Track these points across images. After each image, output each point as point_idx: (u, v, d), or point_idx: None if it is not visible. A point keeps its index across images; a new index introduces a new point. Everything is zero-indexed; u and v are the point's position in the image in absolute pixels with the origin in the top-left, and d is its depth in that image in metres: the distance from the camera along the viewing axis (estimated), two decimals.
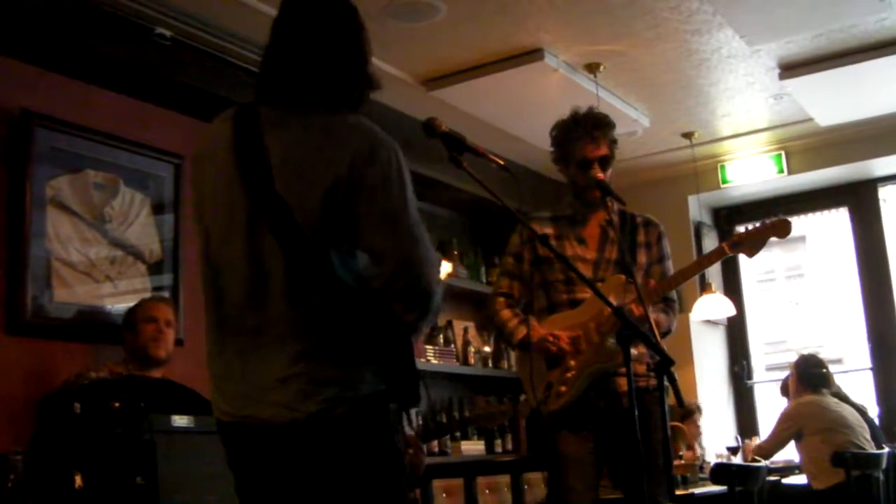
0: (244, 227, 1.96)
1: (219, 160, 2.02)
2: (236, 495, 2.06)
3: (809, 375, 5.06)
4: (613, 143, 3.36)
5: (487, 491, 5.07)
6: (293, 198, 1.90)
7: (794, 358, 5.35)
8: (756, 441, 5.93)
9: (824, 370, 5.09)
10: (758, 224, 3.33)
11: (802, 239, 12.48)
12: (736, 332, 6.92)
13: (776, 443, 5.11)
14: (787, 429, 5.01)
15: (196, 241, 2.14)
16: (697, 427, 5.81)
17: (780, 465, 5.41)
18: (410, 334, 2.00)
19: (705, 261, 3.49)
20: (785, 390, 5.44)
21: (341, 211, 1.89)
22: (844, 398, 5.17)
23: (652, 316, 3.06)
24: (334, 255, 1.90)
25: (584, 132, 3.29)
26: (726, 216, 6.99)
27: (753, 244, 3.30)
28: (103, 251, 3.94)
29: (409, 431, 2.60)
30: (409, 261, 1.91)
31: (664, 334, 3.27)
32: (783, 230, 3.27)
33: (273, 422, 1.91)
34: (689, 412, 5.63)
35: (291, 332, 1.92)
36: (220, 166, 2.02)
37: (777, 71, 5.09)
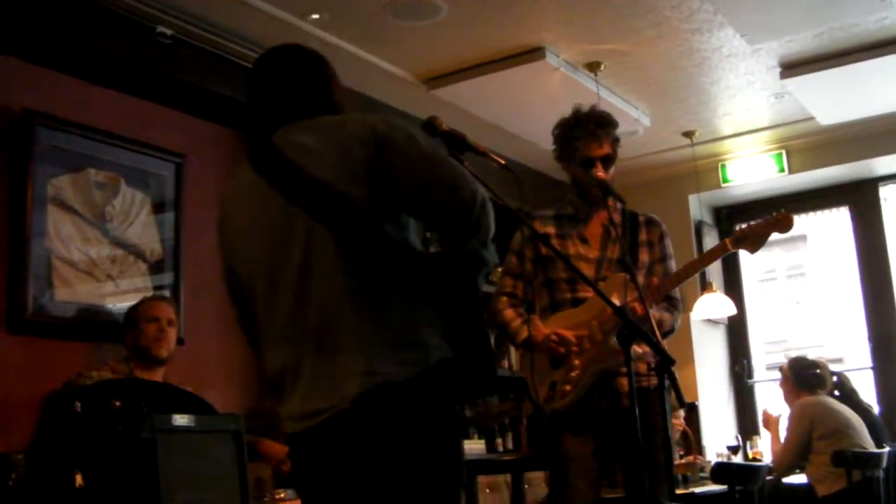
0: (286, 231, 1.99)
1: (246, 191, 2.10)
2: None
3: (805, 377, 5.03)
4: (616, 142, 3.36)
5: (488, 490, 5.07)
6: (336, 178, 1.97)
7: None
8: (757, 441, 5.92)
9: (818, 370, 5.07)
10: (759, 220, 3.33)
11: (803, 238, 12.49)
12: (737, 332, 6.92)
13: (794, 450, 4.88)
14: (801, 431, 4.84)
15: (225, 277, 2.18)
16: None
17: None
18: (477, 294, 2.05)
19: (708, 257, 3.49)
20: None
21: (382, 173, 1.98)
22: (851, 395, 5.16)
23: (655, 315, 3.06)
24: (388, 227, 1.98)
25: (587, 131, 3.29)
26: (727, 215, 6.99)
27: (755, 240, 3.30)
28: (104, 250, 3.94)
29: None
30: (457, 182, 2.01)
31: (668, 333, 3.27)
32: (785, 225, 3.28)
33: (360, 390, 1.89)
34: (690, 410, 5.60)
35: (353, 308, 1.93)
36: (249, 194, 2.09)
37: (778, 70, 5.09)
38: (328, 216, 1.96)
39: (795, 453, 4.89)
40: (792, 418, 4.98)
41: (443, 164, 2.03)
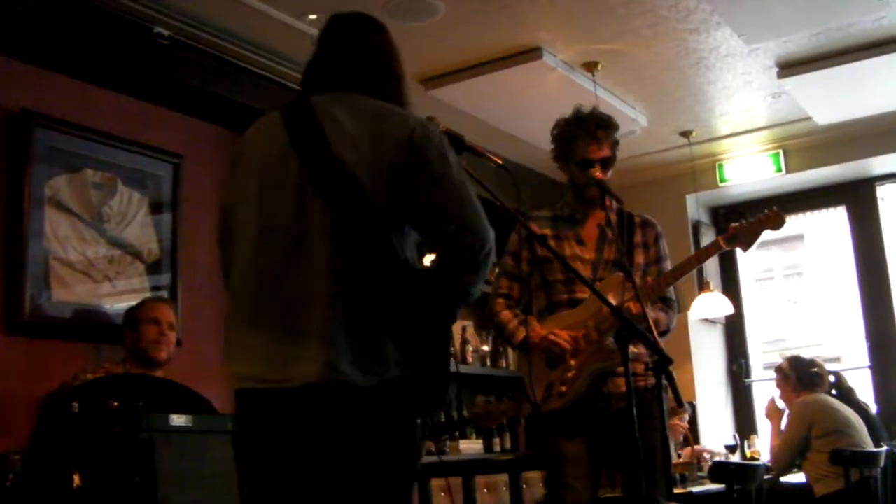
0: (294, 191, 2.00)
1: (270, 140, 2.10)
2: (235, 461, 2.12)
3: (807, 376, 5.04)
4: (616, 144, 3.36)
5: (486, 490, 5.07)
6: (361, 168, 1.97)
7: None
8: (755, 440, 5.93)
9: (817, 369, 5.09)
10: (752, 218, 3.34)
11: (801, 238, 12.51)
12: (734, 331, 6.93)
13: (792, 448, 4.89)
14: (801, 429, 4.85)
15: (218, 217, 2.20)
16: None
17: None
18: (451, 322, 2.07)
19: (702, 255, 3.49)
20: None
21: (404, 184, 1.98)
22: (848, 394, 5.16)
23: (651, 314, 3.06)
24: (392, 234, 1.98)
25: (586, 132, 3.28)
26: (724, 215, 6.99)
27: (748, 238, 3.31)
28: (101, 251, 3.94)
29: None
30: (473, 222, 2.00)
31: (664, 333, 3.27)
32: (777, 223, 3.29)
33: (316, 381, 1.91)
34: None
35: (331, 294, 1.94)
36: (270, 145, 2.09)
37: (775, 70, 5.10)
38: (334, 198, 1.96)
39: (794, 451, 4.90)
40: (792, 416, 4.98)
41: (466, 199, 2.01)
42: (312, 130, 2.03)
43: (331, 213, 1.96)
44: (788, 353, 5.37)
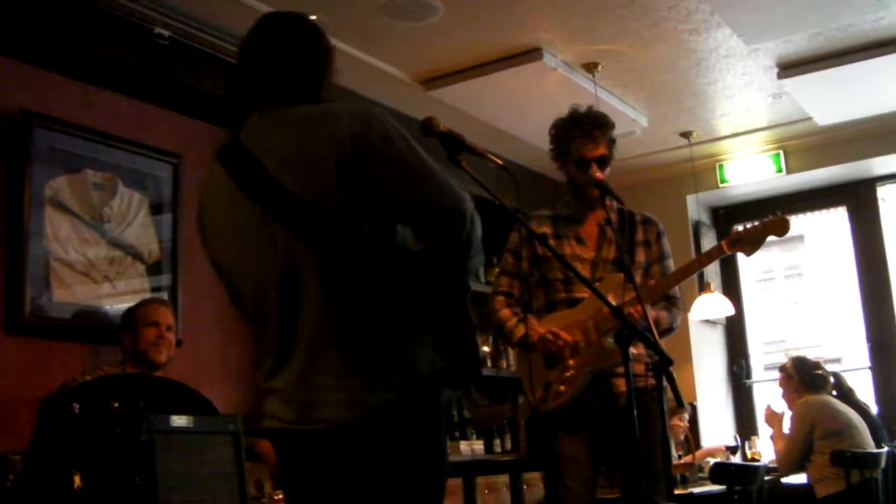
0: (267, 237, 1.94)
1: (220, 193, 2.03)
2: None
3: (811, 377, 5.03)
4: (612, 142, 3.36)
5: (486, 491, 5.07)
6: (311, 191, 1.90)
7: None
8: (756, 441, 5.92)
9: (821, 371, 5.08)
10: (756, 223, 3.34)
11: (801, 238, 12.50)
12: (735, 332, 6.93)
13: (798, 449, 4.88)
14: (804, 430, 4.85)
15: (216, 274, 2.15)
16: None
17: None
18: (465, 294, 2.02)
19: (704, 259, 3.49)
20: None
21: (361, 184, 1.90)
22: (848, 395, 5.16)
23: (652, 314, 3.06)
24: (368, 228, 1.91)
25: (583, 131, 3.29)
26: (725, 216, 7.00)
27: (752, 242, 3.31)
28: (102, 251, 3.94)
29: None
30: (444, 199, 1.92)
31: (667, 331, 3.28)
32: (781, 228, 3.29)
33: (338, 421, 1.88)
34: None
35: (336, 328, 1.91)
36: (223, 199, 2.03)
37: (775, 70, 5.10)
38: (306, 233, 1.90)
39: (800, 453, 4.89)
40: (794, 418, 4.98)
41: (427, 176, 1.92)
42: (257, 175, 1.95)
43: (310, 250, 1.90)
44: (793, 354, 5.37)
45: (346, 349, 1.90)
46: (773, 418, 5.30)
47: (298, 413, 1.94)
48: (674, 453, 5.23)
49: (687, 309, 5.84)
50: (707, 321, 6.53)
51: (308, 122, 1.97)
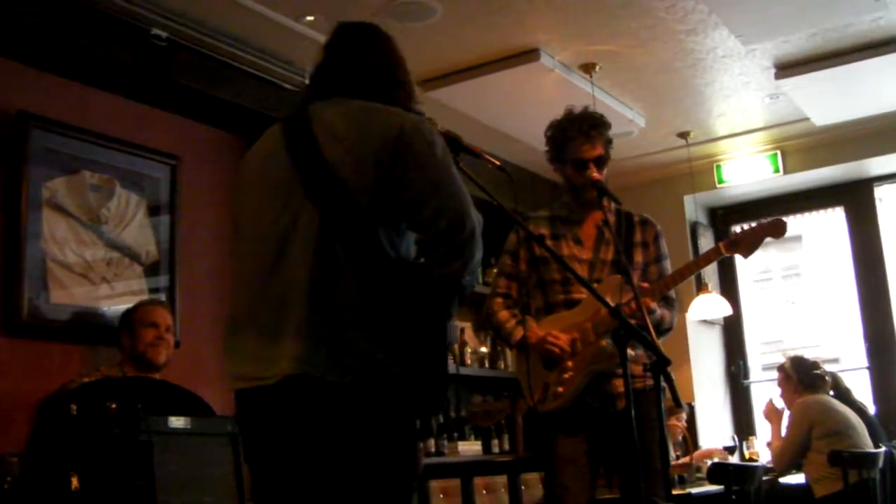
0: (285, 196, 2.06)
1: (268, 150, 2.18)
2: (246, 462, 2.14)
3: (810, 377, 5.03)
4: (609, 142, 3.36)
5: (484, 491, 5.06)
6: (345, 167, 2.01)
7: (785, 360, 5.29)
8: (753, 441, 5.93)
9: (819, 371, 5.09)
10: (754, 224, 3.35)
11: (798, 239, 12.50)
12: (732, 332, 6.92)
13: (794, 449, 4.89)
14: (802, 430, 4.85)
15: (230, 230, 2.24)
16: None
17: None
18: (445, 317, 2.08)
19: (702, 261, 3.50)
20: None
21: (389, 179, 2.00)
22: (845, 395, 5.16)
23: (658, 312, 3.06)
24: (382, 231, 2.01)
25: (579, 132, 3.29)
26: (722, 216, 7.00)
27: (749, 244, 3.32)
28: (99, 253, 3.94)
29: None
30: (449, 203, 2.02)
31: (665, 331, 3.28)
32: (779, 230, 3.30)
33: (289, 373, 1.95)
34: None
35: (311, 294, 1.98)
36: (268, 154, 2.17)
37: (772, 70, 5.10)
38: (320, 198, 2.01)
39: (795, 452, 4.90)
40: (793, 417, 4.98)
41: (447, 182, 2.03)
42: (305, 136, 2.09)
43: (317, 215, 2.01)
44: (791, 354, 5.37)
45: (312, 317, 1.97)
46: (773, 414, 5.30)
47: (261, 368, 2.01)
48: (672, 453, 5.23)
49: (685, 309, 5.85)
50: (705, 321, 6.53)
51: (367, 111, 2.11)
